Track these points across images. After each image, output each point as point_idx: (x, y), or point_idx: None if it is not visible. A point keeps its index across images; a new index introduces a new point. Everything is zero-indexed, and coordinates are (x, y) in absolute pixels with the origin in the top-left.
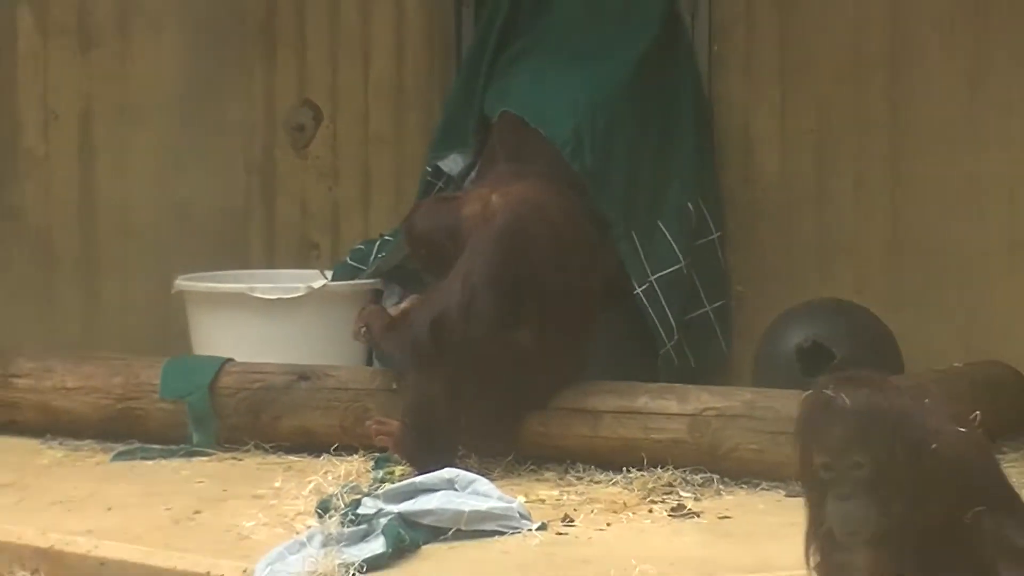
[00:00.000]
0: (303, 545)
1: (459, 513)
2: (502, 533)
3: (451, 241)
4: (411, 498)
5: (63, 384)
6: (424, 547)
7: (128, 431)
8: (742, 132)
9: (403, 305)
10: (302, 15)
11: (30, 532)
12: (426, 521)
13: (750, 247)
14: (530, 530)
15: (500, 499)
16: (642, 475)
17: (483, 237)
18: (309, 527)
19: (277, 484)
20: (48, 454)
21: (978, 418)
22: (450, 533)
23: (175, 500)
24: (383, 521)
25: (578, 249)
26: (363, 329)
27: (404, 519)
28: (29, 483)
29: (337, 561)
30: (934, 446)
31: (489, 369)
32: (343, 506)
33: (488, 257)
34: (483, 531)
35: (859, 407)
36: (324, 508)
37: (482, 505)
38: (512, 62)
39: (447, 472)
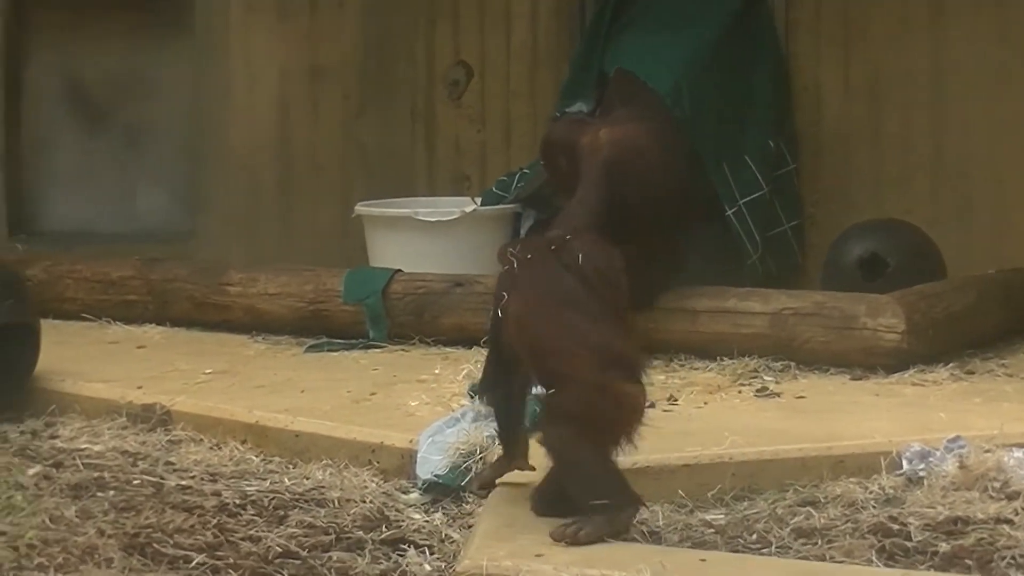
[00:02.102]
0: (458, 420)
1: None
2: None
3: (569, 157)
4: None
5: (266, 291)
6: None
7: (317, 328)
8: (811, 83)
9: None
10: None
11: (239, 410)
12: None
13: (818, 177)
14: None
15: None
16: (732, 363)
17: (592, 167)
18: (463, 406)
19: (437, 371)
20: (254, 347)
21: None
22: None
23: (355, 384)
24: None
25: (670, 177)
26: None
27: (539, 398)
28: (238, 370)
29: (485, 434)
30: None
31: None
32: None
33: (596, 185)
34: None
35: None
36: (475, 390)
37: None
38: (624, 28)
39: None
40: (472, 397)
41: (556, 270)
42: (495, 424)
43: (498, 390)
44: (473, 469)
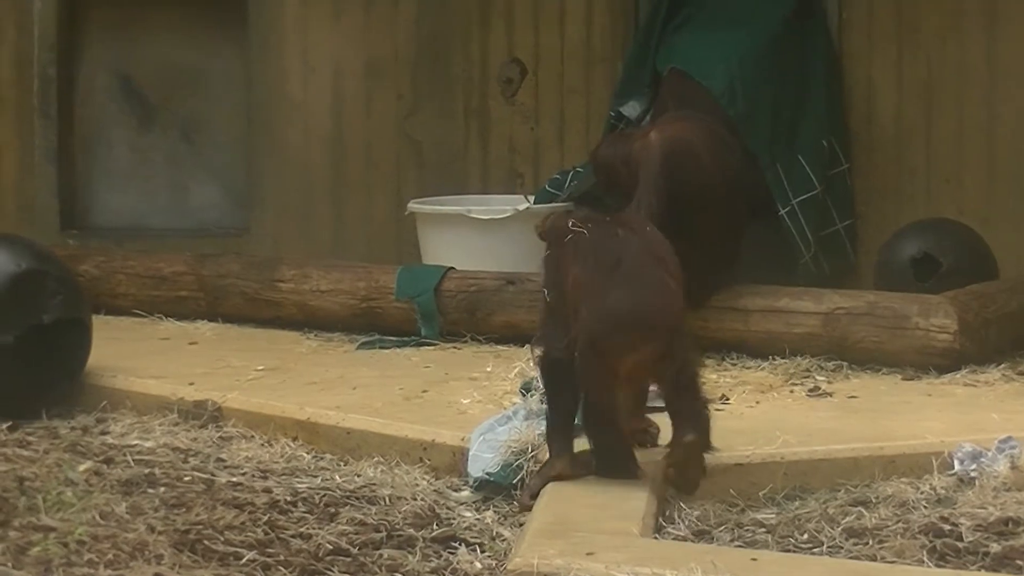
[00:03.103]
0: (509, 418)
1: None
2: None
3: (624, 167)
4: None
5: (318, 287)
6: None
7: (369, 325)
8: (865, 81)
9: None
10: None
11: (291, 407)
12: None
13: (871, 176)
14: None
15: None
16: (784, 362)
17: (648, 171)
18: (514, 403)
19: (488, 369)
20: (305, 344)
21: None
22: None
23: (407, 381)
24: None
25: (723, 176)
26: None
27: None
28: (290, 367)
29: (537, 432)
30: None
31: None
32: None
33: (653, 187)
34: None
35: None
36: (526, 388)
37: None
38: (678, 27)
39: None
40: (524, 395)
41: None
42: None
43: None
44: (525, 467)
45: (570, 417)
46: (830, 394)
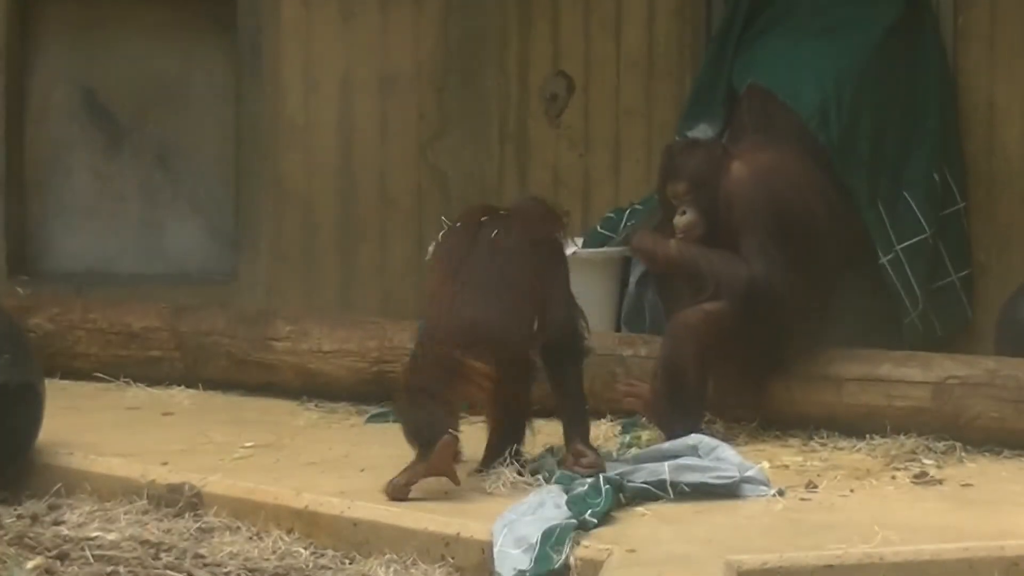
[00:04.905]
0: (537, 507)
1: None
2: (744, 497)
3: (706, 193)
4: (657, 461)
5: (320, 347)
6: (667, 508)
7: (381, 393)
8: (985, 103)
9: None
10: None
11: (286, 492)
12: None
13: (992, 217)
14: (773, 495)
15: (740, 465)
16: (885, 442)
17: (746, 213)
18: (540, 486)
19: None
20: (304, 415)
21: None
22: (690, 494)
23: None
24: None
25: (812, 217)
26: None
27: (632, 479)
28: (285, 444)
29: (568, 518)
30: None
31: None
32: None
33: (763, 230)
34: (726, 494)
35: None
36: (544, 468)
37: (723, 472)
38: (760, 34)
39: (691, 438)
40: (548, 478)
41: None
42: None
43: None
44: (559, 561)
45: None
46: (940, 481)
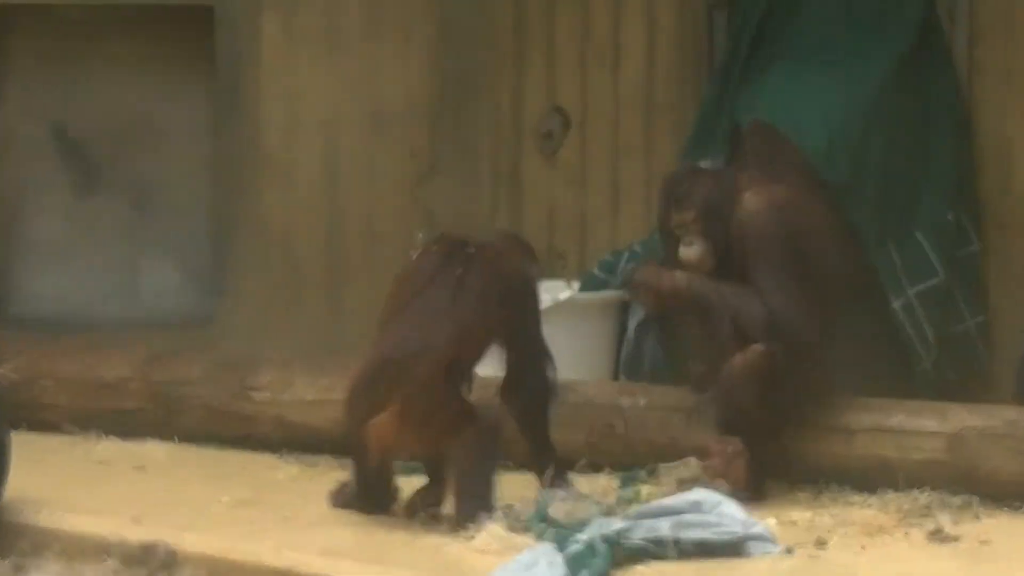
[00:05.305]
0: (530, 566)
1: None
2: (750, 555)
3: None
4: (657, 517)
5: (302, 397)
6: (668, 567)
7: None
8: (1001, 140)
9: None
10: (552, 19)
11: (265, 550)
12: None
13: (1009, 259)
14: (781, 553)
15: (745, 522)
16: (898, 496)
17: (758, 244)
18: (532, 545)
19: (515, 505)
20: (284, 470)
21: None
22: (692, 552)
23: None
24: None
25: (818, 260)
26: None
27: (630, 536)
28: (265, 499)
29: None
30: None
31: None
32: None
33: (780, 266)
34: (731, 552)
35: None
36: (541, 519)
37: (728, 529)
38: (764, 66)
39: (694, 493)
40: (539, 535)
41: None
42: None
43: None
44: None
45: None
46: (956, 538)
